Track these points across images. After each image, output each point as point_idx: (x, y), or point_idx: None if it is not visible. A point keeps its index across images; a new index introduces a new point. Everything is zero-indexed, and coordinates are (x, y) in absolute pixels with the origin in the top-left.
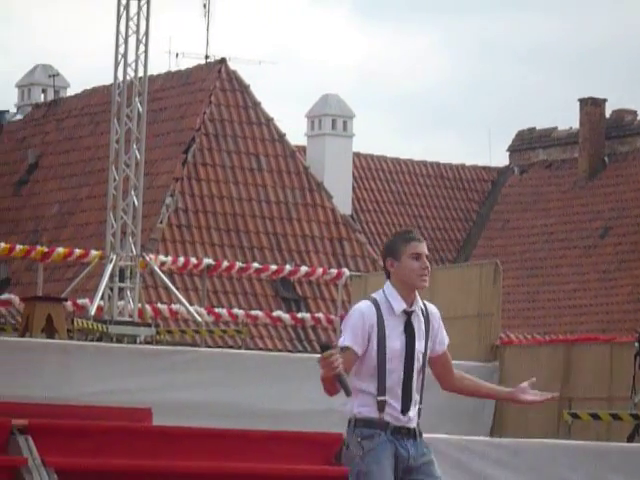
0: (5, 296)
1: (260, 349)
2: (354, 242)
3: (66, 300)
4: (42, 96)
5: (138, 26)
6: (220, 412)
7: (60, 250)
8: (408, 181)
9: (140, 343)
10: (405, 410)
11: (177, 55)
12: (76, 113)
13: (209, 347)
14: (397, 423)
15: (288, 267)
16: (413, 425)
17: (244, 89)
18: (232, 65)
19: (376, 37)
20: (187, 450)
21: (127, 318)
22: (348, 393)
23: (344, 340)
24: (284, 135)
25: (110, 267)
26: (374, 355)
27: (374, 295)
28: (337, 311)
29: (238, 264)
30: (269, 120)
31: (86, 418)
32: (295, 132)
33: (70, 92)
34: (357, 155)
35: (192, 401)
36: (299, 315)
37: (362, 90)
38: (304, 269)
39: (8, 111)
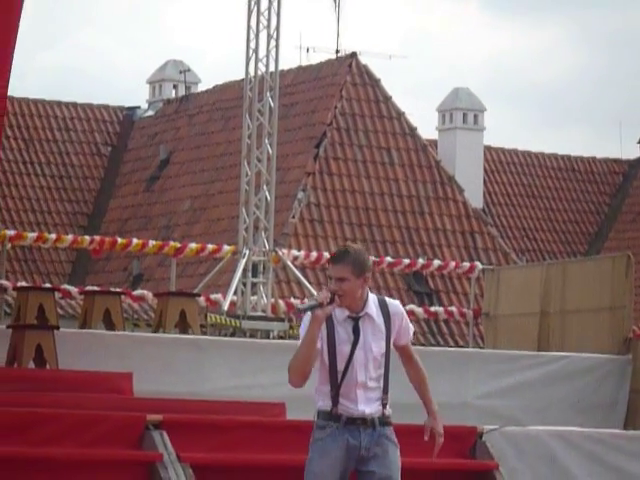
0: (138, 292)
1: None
2: (486, 235)
3: (199, 295)
4: (173, 92)
5: (269, 21)
6: None
7: (193, 246)
8: (539, 174)
9: (273, 338)
10: (360, 405)
11: (308, 50)
12: (207, 108)
13: None
14: (351, 415)
15: (421, 261)
16: (371, 416)
17: (375, 83)
18: (363, 59)
19: (507, 30)
20: None
21: (260, 313)
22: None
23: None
24: (415, 129)
25: (243, 262)
26: (326, 358)
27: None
28: (470, 305)
29: (371, 258)
30: (400, 114)
31: (220, 413)
32: (426, 126)
33: (201, 88)
34: (488, 148)
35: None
36: (432, 309)
37: (493, 83)
38: (437, 263)
39: (139, 107)
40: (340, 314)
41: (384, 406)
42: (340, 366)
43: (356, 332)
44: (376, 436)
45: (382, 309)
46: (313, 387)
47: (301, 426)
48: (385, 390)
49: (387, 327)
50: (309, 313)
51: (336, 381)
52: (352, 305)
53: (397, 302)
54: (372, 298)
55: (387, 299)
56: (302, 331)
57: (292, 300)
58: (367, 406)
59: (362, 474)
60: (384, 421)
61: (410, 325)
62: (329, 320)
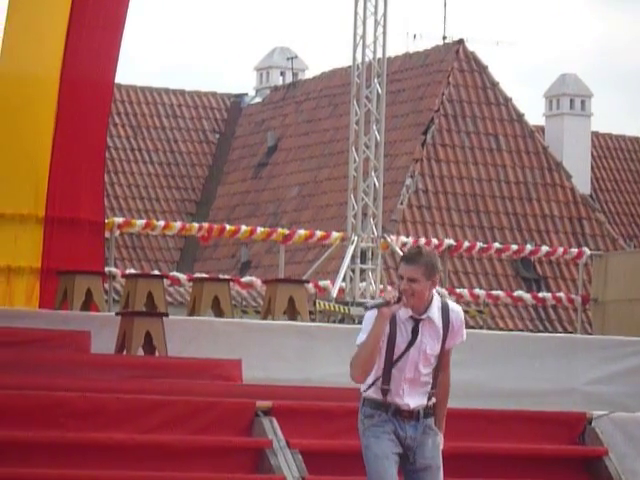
0: (247, 279)
1: (501, 329)
2: (594, 222)
3: (308, 282)
4: (280, 79)
5: (376, 7)
6: (461, 392)
7: (301, 232)
8: None
9: None
10: (406, 398)
11: (415, 36)
12: (315, 95)
13: None
14: (399, 407)
15: (529, 247)
16: (417, 409)
17: (482, 70)
18: (470, 46)
19: (614, 15)
20: None
21: (369, 299)
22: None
23: (361, 338)
24: (522, 115)
25: (351, 249)
26: (383, 352)
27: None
28: (578, 290)
29: (479, 244)
30: (507, 100)
31: (329, 400)
32: (533, 112)
33: (308, 74)
34: (595, 134)
35: None
36: (540, 295)
37: (600, 69)
38: (545, 249)
39: (247, 94)
40: (404, 314)
41: (429, 399)
42: (397, 358)
43: (415, 333)
44: (420, 427)
45: (443, 313)
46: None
47: None
48: (433, 385)
49: (445, 331)
50: (374, 310)
51: (388, 375)
52: (417, 306)
53: (459, 308)
54: (436, 301)
55: (450, 303)
56: (365, 327)
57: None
58: (412, 400)
59: (406, 463)
60: (427, 412)
61: (464, 333)
62: (393, 318)
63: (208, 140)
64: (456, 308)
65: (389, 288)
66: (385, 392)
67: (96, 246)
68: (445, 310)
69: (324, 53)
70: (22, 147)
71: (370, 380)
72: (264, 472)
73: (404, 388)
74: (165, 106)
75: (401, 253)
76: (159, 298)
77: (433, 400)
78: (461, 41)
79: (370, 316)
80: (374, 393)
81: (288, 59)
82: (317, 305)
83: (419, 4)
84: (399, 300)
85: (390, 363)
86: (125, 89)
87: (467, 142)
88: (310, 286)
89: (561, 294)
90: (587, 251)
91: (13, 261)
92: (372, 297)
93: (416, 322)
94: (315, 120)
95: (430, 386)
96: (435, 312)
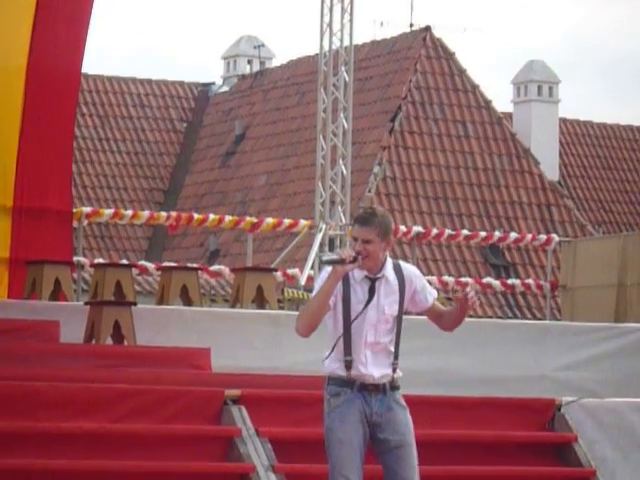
0: (215, 267)
1: (470, 316)
2: (562, 208)
3: (276, 270)
4: (248, 67)
5: None
6: (431, 379)
7: (269, 220)
8: (615, 146)
9: None
10: (369, 367)
11: (381, 24)
12: (282, 84)
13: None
14: (364, 380)
15: (497, 233)
16: (382, 381)
17: (449, 57)
18: (437, 33)
19: (583, 2)
20: None
21: (327, 253)
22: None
23: (313, 293)
24: (490, 102)
25: (320, 236)
26: (340, 316)
27: None
28: (547, 277)
29: (447, 231)
30: (475, 87)
31: (298, 388)
32: (501, 99)
33: (275, 63)
34: (563, 121)
35: (403, 369)
36: (509, 281)
37: (567, 56)
38: (513, 235)
39: (214, 83)
40: (358, 274)
41: (394, 370)
42: (355, 323)
43: (372, 292)
44: (386, 401)
45: (397, 273)
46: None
47: None
48: (396, 355)
49: (401, 290)
50: (327, 269)
51: (349, 340)
52: (372, 267)
53: (413, 267)
54: (389, 262)
55: (402, 263)
56: (317, 284)
57: None
58: (376, 369)
59: (377, 442)
60: (393, 385)
61: (428, 287)
62: (346, 279)
63: (176, 129)
64: (409, 266)
65: (346, 249)
66: (349, 364)
67: (64, 236)
68: (398, 270)
69: (291, 41)
70: None
71: (329, 350)
72: (233, 460)
73: (366, 354)
74: (132, 95)
75: None
76: (128, 287)
77: (399, 373)
78: (428, 28)
79: (323, 275)
80: (339, 369)
81: (255, 47)
82: (286, 293)
83: None
84: (354, 260)
85: (348, 324)
86: (92, 79)
87: (435, 129)
88: (278, 274)
89: (530, 281)
90: (556, 237)
91: None
92: None
93: (372, 281)
94: (282, 108)
95: (393, 356)
96: (390, 272)
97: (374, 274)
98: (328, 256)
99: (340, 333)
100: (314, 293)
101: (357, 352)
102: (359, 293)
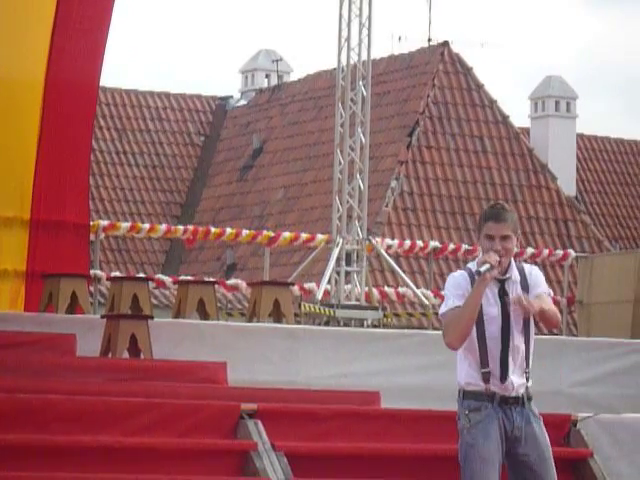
0: (232, 281)
1: None
2: (579, 223)
3: (293, 284)
4: (266, 81)
5: (361, 9)
6: (448, 395)
7: (286, 235)
8: (632, 162)
9: (367, 326)
10: (505, 377)
11: (399, 38)
12: (300, 98)
13: (436, 330)
14: (503, 393)
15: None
16: (520, 392)
17: (467, 72)
18: (455, 48)
19: (600, 18)
20: (416, 433)
21: (354, 302)
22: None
23: (453, 302)
24: (508, 117)
25: (337, 251)
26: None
27: (469, 265)
28: (563, 292)
29: (464, 246)
30: (493, 102)
31: (314, 402)
32: (518, 114)
33: (293, 77)
34: (580, 136)
35: (420, 384)
36: None
37: (585, 71)
38: (530, 250)
39: (232, 97)
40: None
41: (527, 379)
42: (490, 329)
43: (503, 295)
44: (525, 413)
45: (520, 273)
46: (408, 376)
47: (396, 415)
48: (528, 363)
49: (527, 292)
50: (454, 275)
51: (485, 349)
52: (505, 266)
53: (535, 267)
54: (512, 262)
55: (524, 264)
56: (452, 292)
57: (386, 289)
58: (516, 378)
59: (515, 457)
60: (529, 395)
61: (546, 288)
62: (472, 282)
63: (193, 143)
64: (534, 270)
65: (491, 253)
66: (486, 377)
67: (81, 249)
68: (521, 270)
69: (309, 55)
70: (7, 150)
71: (468, 370)
72: (249, 475)
73: (509, 361)
74: (150, 109)
75: (386, 255)
76: (144, 301)
77: (531, 382)
78: (446, 43)
79: (454, 282)
80: (475, 383)
81: (273, 61)
82: (302, 307)
83: (404, 6)
84: (499, 262)
85: (482, 332)
86: (110, 92)
87: (452, 144)
88: (295, 288)
89: None
90: (572, 253)
91: None
92: (357, 299)
93: (501, 283)
94: (300, 122)
95: (525, 364)
96: (515, 273)
97: (502, 275)
98: (484, 267)
99: (475, 343)
100: (449, 304)
101: (494, 361)
102: (490, 297)
